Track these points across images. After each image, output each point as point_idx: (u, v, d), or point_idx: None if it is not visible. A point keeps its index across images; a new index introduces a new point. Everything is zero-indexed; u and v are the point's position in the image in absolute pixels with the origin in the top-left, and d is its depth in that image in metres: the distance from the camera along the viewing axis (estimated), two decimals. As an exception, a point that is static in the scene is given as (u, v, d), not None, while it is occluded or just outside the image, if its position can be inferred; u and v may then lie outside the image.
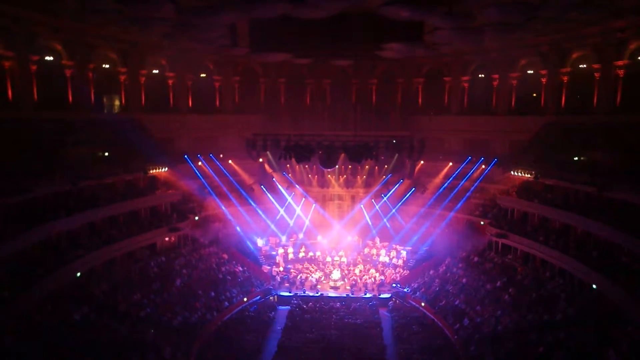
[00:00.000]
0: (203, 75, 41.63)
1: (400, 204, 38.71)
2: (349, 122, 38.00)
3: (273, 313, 29.48)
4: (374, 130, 36.96)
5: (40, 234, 24.10)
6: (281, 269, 34.07)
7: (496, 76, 39.17)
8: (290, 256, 36.53)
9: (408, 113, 42.92)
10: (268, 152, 31.64)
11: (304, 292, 31.28)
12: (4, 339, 18.18)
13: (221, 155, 39.12)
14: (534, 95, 37.83)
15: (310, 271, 33.91)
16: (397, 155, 32.33)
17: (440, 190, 38.01)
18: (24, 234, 22.93)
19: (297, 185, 40.39)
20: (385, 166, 37.92)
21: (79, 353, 19.08)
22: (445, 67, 42.30)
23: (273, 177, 39.24)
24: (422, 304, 29.37)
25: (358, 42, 34.64)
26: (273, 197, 39.26)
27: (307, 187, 41.09)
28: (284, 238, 38.77)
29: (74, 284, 24.35)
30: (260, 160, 35.44)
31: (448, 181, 38.09)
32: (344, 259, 35.58)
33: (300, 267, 34.83)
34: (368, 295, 31.04)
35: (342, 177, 41.18)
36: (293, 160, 30.20)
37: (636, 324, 19.86)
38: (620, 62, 30.86)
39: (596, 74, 32.54)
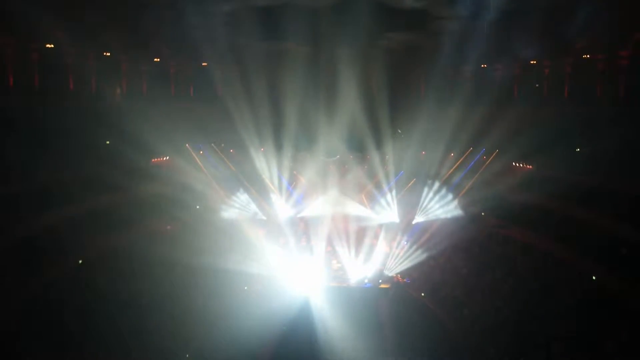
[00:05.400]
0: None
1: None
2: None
3: (274, 303, 29.50)
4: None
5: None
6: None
7: (499, 66, 38.85)
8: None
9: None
10: None
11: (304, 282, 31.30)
12: (7, 326, 18.26)
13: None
14: (537, 85, 37.56)
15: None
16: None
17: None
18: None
19: None
20: None
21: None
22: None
23: None
24: (422, 294, 29.44)
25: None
26: None
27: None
28: None
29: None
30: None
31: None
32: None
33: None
34: (368, 284, 31.08)
35: None
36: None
37: (635, 315, 19.90)
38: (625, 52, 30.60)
39: (599, 65, 32.25)
